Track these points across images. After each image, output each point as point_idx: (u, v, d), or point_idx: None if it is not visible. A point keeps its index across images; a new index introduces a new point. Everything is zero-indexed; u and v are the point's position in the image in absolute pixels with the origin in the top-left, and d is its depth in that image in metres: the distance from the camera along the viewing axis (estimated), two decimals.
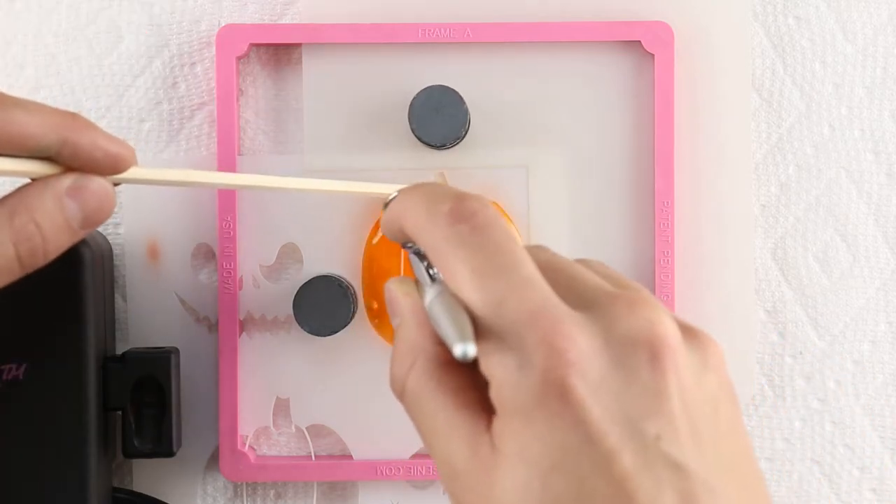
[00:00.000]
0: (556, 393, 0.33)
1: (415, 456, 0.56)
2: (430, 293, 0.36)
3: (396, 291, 0.39)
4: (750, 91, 0.57)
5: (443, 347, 0.37)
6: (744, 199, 0.57)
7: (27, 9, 0.56)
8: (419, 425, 0.37)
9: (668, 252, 0.55)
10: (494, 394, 0.34)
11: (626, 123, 0.56)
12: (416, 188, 0.40)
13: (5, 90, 0.56)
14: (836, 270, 0.57)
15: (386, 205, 0.42)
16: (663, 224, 0.55)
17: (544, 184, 0.56)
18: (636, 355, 0.34)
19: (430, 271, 0.38)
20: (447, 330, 0.35)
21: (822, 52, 0.57)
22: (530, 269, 0.35)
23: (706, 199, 0.56)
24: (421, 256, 0.39)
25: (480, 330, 0.35)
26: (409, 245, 0.40)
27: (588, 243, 0.56)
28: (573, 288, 0.36)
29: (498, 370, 0.34)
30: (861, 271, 0.57)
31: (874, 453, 0.58)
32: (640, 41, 0.55)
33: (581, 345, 0.34)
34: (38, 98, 0.56)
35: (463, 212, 0.37)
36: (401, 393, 0.38)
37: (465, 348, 0.34)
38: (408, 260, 0.41)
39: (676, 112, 0.55)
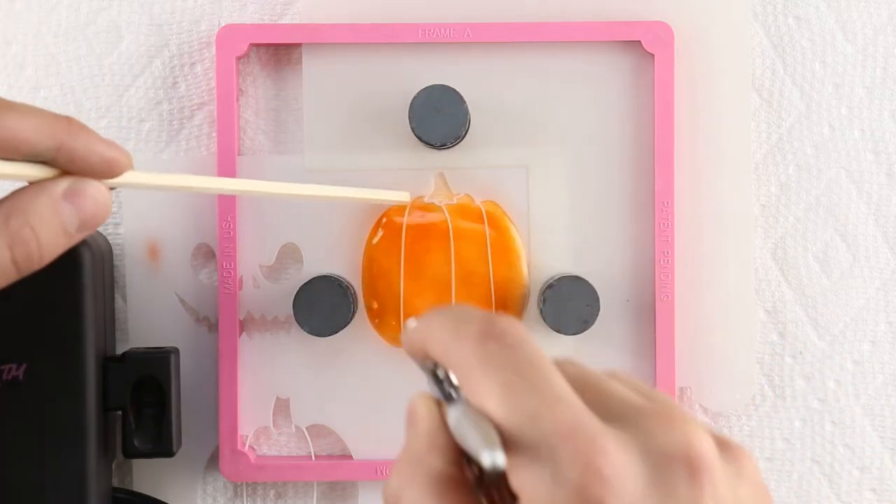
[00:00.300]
0: None
1: None
2: (455, 410, 0.36)
3: (421, 406, 0.38)
4: (750, 91, 0.57)
5: (453, 468, 0.36)
6: (744, 199, 0.57)
7: (27, 9, 0.56)
8: None
9: (668, 252, 0.55)
10: None
11: (626, 123, 0.56)
12: (443, 311, 0.39)
13: (5, 90, 0.56)
14: (836, 270, 0.57)
15: (407, 325, 0.41)
16: (663, 224, 0.55)
17: (544, 184, 0.56)
18: (673, 471, 0.33)
19: (449, 391, 0.37)
20: (474, 441, 0.34)
21: (822, 52, 0.57)
22: (562, 384, 0.35)
23: (706, 199, 0.56)
24: (437, 378, 0.38)
25: (510, 444, 0.34)
26: (426, 365, 0.39)
27: (588, 243, 0.56)
28: (604, 401, 0.35)
29: (530, 484, 0.33)
30: (861, 271, 0.57)
31: (874, 453, 0.58)
32: (640, 41, 0.55)
33: (617, 461, 0.33)
34: (39, 98, 0.56)
35: (492, 331, 0.36)
36: (393, 503, 0.37)
37: (493, 457, 0.33)
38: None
39: (676, 112, 0.55)
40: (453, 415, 0.36)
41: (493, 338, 0.36)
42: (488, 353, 0.36)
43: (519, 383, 0.35)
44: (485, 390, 0.35)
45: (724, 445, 0.35)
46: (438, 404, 0.38)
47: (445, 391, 0.38)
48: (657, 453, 0.34)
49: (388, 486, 0.37)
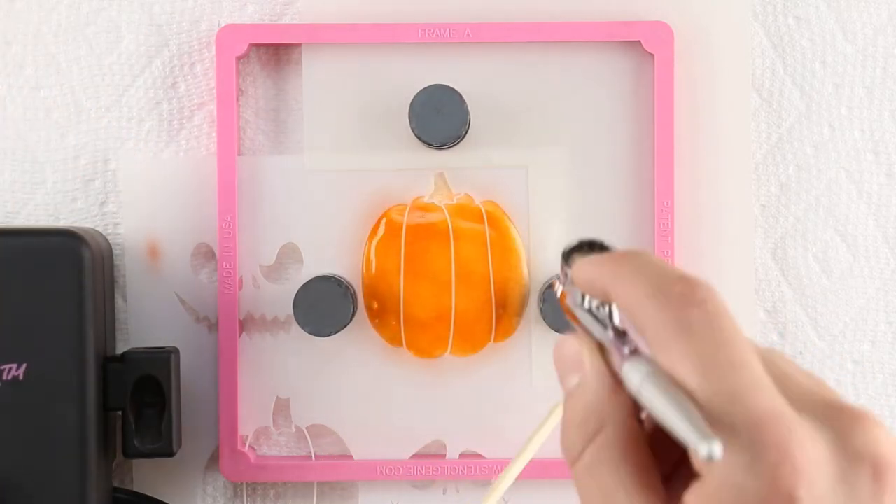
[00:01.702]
0: (782, 499, 0.32)
1: (415, 456, 0.56)
2: (641, 368, 0.34)
3: (581, 351, 0.37)
4: (750, 91, 0.57)
5: (633, 421, 0.35)
6: (744, 199, 0.57)
7: (27, 9, 0.56)
8: (590, 497, 0.35)
9: (668, 252, 0.55)
10: (710, 489, 0.33)
11: (626, 123, 0.56)
12: (634, 258, 0.37)
13: (5, 90, 0.56)
14: (836, 270, 0.57)
15: (566, 255, 0.39)
16: (663, 224, 0.55)
17: (544, 184, 0.56)
18: (861, 471, 0.33)
19: (625, 344, 0.35)
20: (680, 422, 0.33)
21: (822, 52, 0.57)
22: (760, 368, 0.34)
23: (706, 199, 0.56)
24: (599, 319, 0.37)
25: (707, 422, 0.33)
26: (588, 305, 0.37)
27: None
28: (789, 388, 0.35)
29: (723, 468, 0.33)
30: (861, 271, 0.57)
31: None
32: (640, 41, 0.55)
33: (812, 454, 0.33)
34: (39, 98, 0.56)
35: (695, 296, 0.35)
36: (574, 460, 0.35)
37: (711, 448, 0.31)
38: (567, 312, 0.38)
39: (676, 112, 0.55)
40: (637, 373, 0.34)
41: (695, 304, 0.35)
42: (689, 321, 0.34)
43: (720, 360, 0.34)
44: (683, 361, 0.34)
45: None
46: (602, 350, 0.36)
47: (620, 340, 0.36)
48: (847, 452, 0.34)
49: (566, 441, 0.36)
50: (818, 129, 0.57)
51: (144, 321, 0.56)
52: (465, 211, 0.56)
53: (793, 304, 0.57)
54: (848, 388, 0.57)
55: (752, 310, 0.57)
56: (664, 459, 0.35)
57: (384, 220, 0.56)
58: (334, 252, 0.56)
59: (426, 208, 0.56)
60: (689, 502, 0.33)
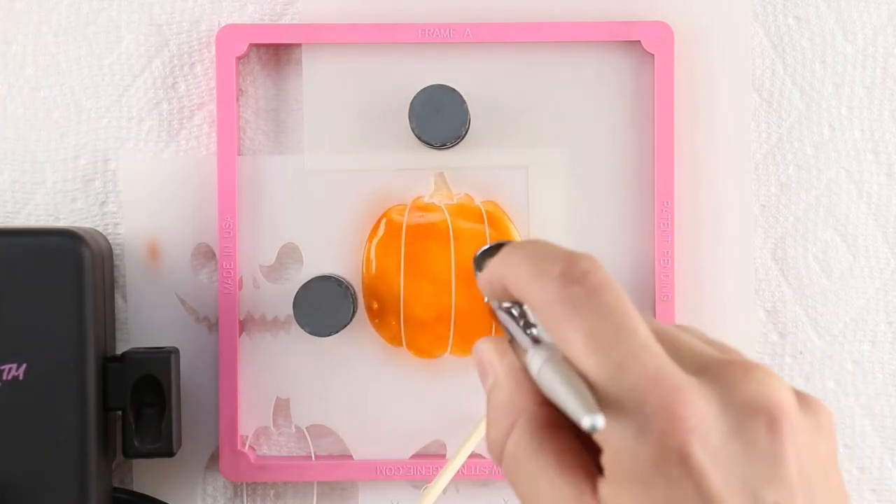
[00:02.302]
0: (675, 459, 0.32)
1: (415, 456, 0.56)
2: (539, 357, 0.35)
3: (490, 352, 0.38)
4: (750, 91, 0.57)
5: (543, 408, 0.36)
6: (744, 199, 0.57)
7: (27, 9, 0.56)
8: (520, 490, 0.36)
9: (668, 252, 0.55)
10: (609, 460, 0.33)
11: (626, 123, 0.56)
12: (521, 247, 0.38)
13: (5, 90, 0.56)
14: (836, 270, 0.57)
15: (476, 260, 0.40)
16: (663, 224, 0.55)
17: (544, 184, 0.56)
18: (754, 421, 0.34)
19: (529, 332, 0.36)
20: (568, 400, 0.33)
21: (822, 52, 0.57)
22: (646, 333, 0.35)
23: (706, 199, 0.56)
24: (515, 316, 0.38)
25: (596, 396, 0.34)
26: (505, 304, 0.38)
27: (588, 243, 0.56)
28: (681, 352, 0.35)
29: (615, 437, 0.33)
30: (861, 271, 0.57)
31: (874, 453, 0.58)
32: (640, 41, 0.55)
33: (700, 411, 0.33)
34: (39, 98, 0.56)
35: (575, 273, 0.35)
36: (499, 456, 0.36)
37: (593, 420, 0.32)
38: (492, 315, 0.39)
39: (676, 112, 0.55)
40: (535, 361, 0.35)
41: (576, 280, 0.35)
42: (572, 298, 0.35)
43: (605, 332, 0.34)
44: (571, 338, 0.34)
45: (803, 399, 0.35)
46: (512, 346, 0.37)
47: (524, 332, 0.37)
48: (738, 404, 0.34)
49: (488, 440, 0.37)
50: (818, 129, 0.57)
51: (144, 321, 0.56)
52: (465, 211, 0.56)
53: (793, 304, 0.57)
54: (848, 388, 0.57)
55: (752, 310, 0.57)
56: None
57: (384, 220, 0.56)
58: (334, 252, 0.56)
59: (426, 208, 0.56)
60: (605, 476, 0.34)
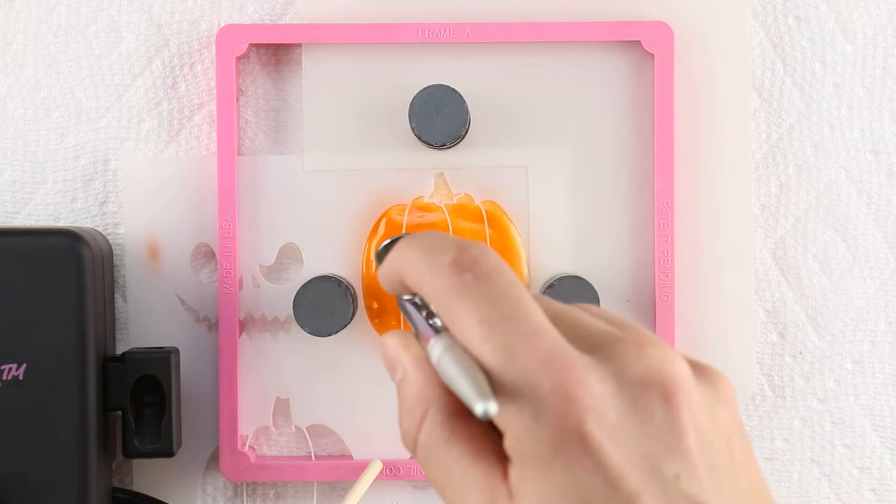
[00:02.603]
0: (573, 439, 0.33)
1: None
2: (438, 347, 0.35)
3: (396, 345, 0.38)
4: (750, 91, 0.57)
5: (452, 397, 0.36)
6: (744, 199, 0.57)
7: (27, 9, 0.56)
8: (434, 479, 0.36)
9: (668, 252, 0.55)
10: (510, 444, 0.34)
11: (626, 123, 0.56)
12: (414, 239, 0.38)
13: (5, 90, 0.56)
14: (836, 270, 0.57)
15: (378, 254, 0.41)
16: (663, 224, 0.55)
17: (544, 184, 0.56)
18: (650, 396, 0.34)
19: (431, 322, 0.37)
20: (464, 388, 0.34)
21: (822, 52, 0.57)
22: (538, 315, 0.35)
23: (706, 199, 0.56)
24: (418, 307, 0.38)
25: (492, 382, 0.34)
26: (407, 297, 0.39)
27: (588, 243, 0.56)
28: (578, 332, 0.35)
29: (513, 421, 0.33)
30: (861, 271, 0.57)
31: (874, 453, 0.58)
32: (640, 41, 0.55)
33: (595, 390, 0.33)
34: (38, 98, 0.56)
35: (465, 261, 0.36)
36: (413, 447, 0.37)
37: (486, 407, 0.33)
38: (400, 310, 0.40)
39: (676, 112, 0.55)
40: (435, 351, 0.35)
41: (467, 268, 0.36)
42: (463, 285, 0.35)
43: (496, 317, 0.35)
44: (465, 325, 0.35)
45: (699, 369, 0.35)
46: (417, 339, 0.38)
47: (427, 323, 0.37)
48: (633, 379, 0.34)
49: (401, 432, 0.37)
50: (818, 129, 0.57)
51: (144, 321, 0.56)
52: (465, 211, 0.56)
53: (793, 304, 0.57)
54: (848, 388, 0.57)
55: (752, 310, 0.57)
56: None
57: (384, 220, 0.56)
58: (334, 252, 0.56)
59: (426, 208, 0.56)
60: (510, 461, 0.34)
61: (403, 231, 0.55)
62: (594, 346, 0.35)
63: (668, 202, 0.55)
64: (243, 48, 0.55)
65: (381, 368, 0.56)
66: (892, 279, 0.58)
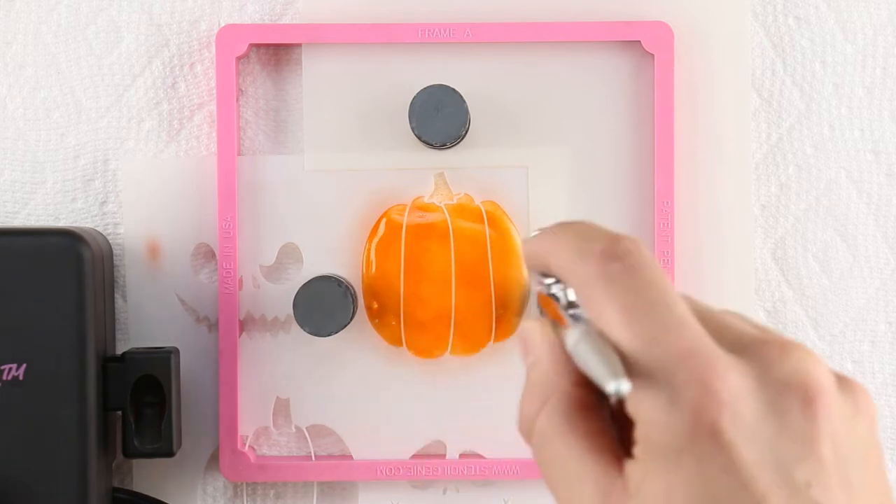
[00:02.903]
0: (706, 433, 0.32)
1: (415, 456, 0.56)
2: (575, 333, 0.35)
3: (533, 330, 0.38)
4: (750, 91, 0.57)
5: (579, 389, 0.36)
6: (744, 199, 0.57)
7: (27, 9, 0.56)
8: (546, 468, 0.36)
9: (668, 252, 0.55)
10: (641, 432, 0.34)
11: (626, 123, 0.56)
12: (567, 226, 0.38)
13: (5, 90, 0.56)
14: (836, 270, 0.57)
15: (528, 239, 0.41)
16: (663, 224, 0.55)
17: (544, 184, 0.56)
18: (789, 399, 0.33)
19: (570, 312, 0.37)
20: (597, 368, 0.34)
21: (822, 52, 0.57)
22: (682, 309, 0.35)
23: (706, 199, 0.56)
24: (557, 298, 0.38)
25: (629, 367, 0.34)
26: (546, 282, 0.39)
27: None
28: (722, 331, 0.35)
29: (646, 409, 0.33)
30: (861, 271, 0.57)
31: None
32: (640, 41, 0.55)
33: (734, 385, 0.33)
34: (38, 98, 0.56)
35: (616, 251, 0.36)
36: (528, 433, 0.37)
37: (618, 385, 0.33)
38: (543, 302, 0.40)
39: (676, 112, 0.55)
40: (572, 336, 0.35)
41: (616, 258, 0.36)
42: (611, 275, 0.35)
43: (640, 306, 0.35)
44: (607, 312, 0.35)
45: (842, 380, 0.35)
46: (553, 326, 0.38)
47: (566, 312, 0.37)
48: (774, 381, 0.34)
49: (520, 416, 0.37)
50: (818, 129, 0.57)
51: (144, 321, 0.56)
52: (465, 211, 0.56)
53: (793, 304, 0.57)
54: None
55: (752, 310, 0.57)
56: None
57: (384, 220, 0.56)
58: (334, 252, 0.56)
59: (426, 208, 0.56)
60: (635, 453, 0.34)
61: (403, 231, 0.55)
62: (737, 345, 0.35)
63: (668, 202, 0.55)
64: (243, 48, 0.55)
65: (382, 368, 0.56)
66: (892, 279, 0.58)
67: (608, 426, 0.36)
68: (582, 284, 0.36)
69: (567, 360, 0.37)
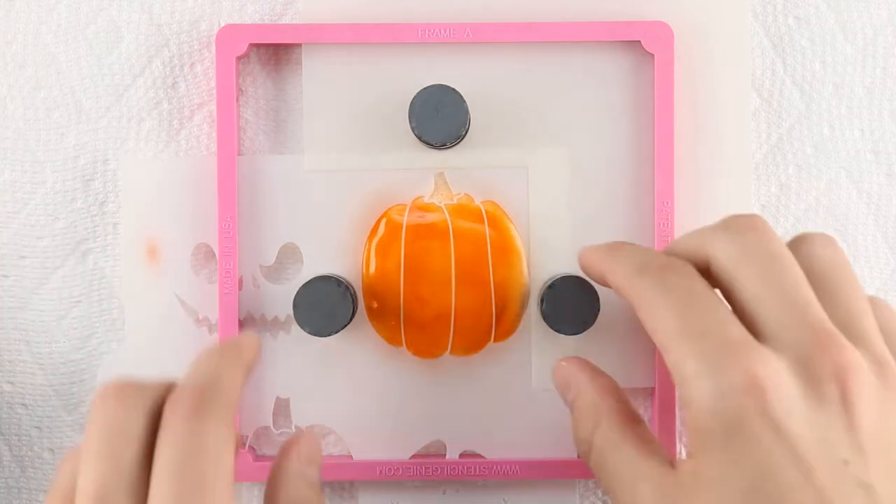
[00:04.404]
0: (753, 414, 0.36)
1: (415, 456, 0.56)
2: None
3: (571, 367, 0.46)
4: (750, 91, 0.57)
5: (623, 405, 0.43)
6: (744, 199, 0.57)
7: (27, 9, 0.56)
8: (607, 478, 0.41)
9: None
10: (692, 418, 0.38)
11: (626, 123, 0.56)
12: (627, 250, 0.45)
13: (5, 90, 0.56)
14: None
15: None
16: (663, 224, 0.55)
17: (544, 184, 0.56)
18: (827, 383, 0.37)
19: None
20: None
21: (822, 52, 0.57)
22: (725, 309, 0.40)
23: (706, 199, 0.56)
24: None
25: (682, 363, 0.39)
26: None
27: (588, 243, 0.56)
28: (757, 327, 0.40)
29: (696, 394, 0.38)
30: (861, 271, 0.57)
31: None
32: (640, 41, 0.55)
33: (776, 371, 0.37)
34: (38, 98, 0.56)
35: (670, 266, 0.42)
36: (587, 451, 0.43)
37: None
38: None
39: (676, 112, 0.55)
40: None
41: (671, 271, 0.42)
42: (668, 281, 0.41)
43: (692, 303, 0.40)
44: (661, 310, 0.41)
45: (878, 364, 0.39)
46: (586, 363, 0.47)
47: None
48: (811, 366, 0.38)
49: (577, 441, 0.44)
50: (818, 129, 0.57)
51: (144, 321, 0.56)
52: (465, 211, 0.56)
53: None
54: None
55: None
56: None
57: (384, 220, 0.56)
58: (334, 252, 0.56)
59: (426, 208, 0.56)
60: (686, 444, 0.38)
61: (403, 231, 0.56)
62: (774, 339, 0.39)
63: (668, 202, 0.55)
64: (243, 48, 0.55)
65: (382, 368, 0.56)
66: (892, 279, 0.58)
67: (653, 435, 0.42)
68: (640, 293, 0.42)
69: (609, 383, 0.44)
